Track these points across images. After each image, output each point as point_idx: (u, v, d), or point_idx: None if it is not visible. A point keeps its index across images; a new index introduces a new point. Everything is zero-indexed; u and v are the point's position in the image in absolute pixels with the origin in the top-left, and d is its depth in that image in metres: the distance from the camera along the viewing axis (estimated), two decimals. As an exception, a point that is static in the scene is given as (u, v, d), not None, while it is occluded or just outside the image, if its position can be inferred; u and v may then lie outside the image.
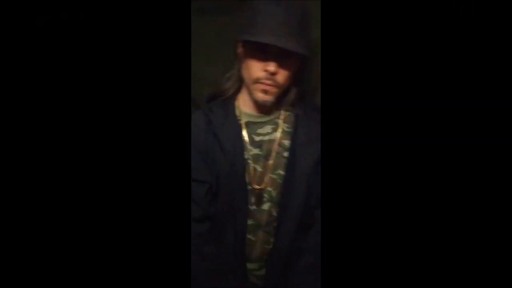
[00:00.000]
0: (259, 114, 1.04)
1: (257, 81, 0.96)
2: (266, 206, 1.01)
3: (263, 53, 0.93)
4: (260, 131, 1.03)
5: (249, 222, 1.02)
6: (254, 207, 1.01)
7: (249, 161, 1.01)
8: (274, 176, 1.02)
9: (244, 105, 1.04)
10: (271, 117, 1.05)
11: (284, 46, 0.90)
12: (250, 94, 1.00)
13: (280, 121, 1.04)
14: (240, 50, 0.97)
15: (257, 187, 1.00)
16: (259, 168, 1.01)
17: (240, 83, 1.02)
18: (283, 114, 1.05)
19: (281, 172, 1.01)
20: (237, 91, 1.04)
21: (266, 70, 0.94)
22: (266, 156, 1.02)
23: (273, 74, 0.94)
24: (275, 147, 1.02)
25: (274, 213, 1.01)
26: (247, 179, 1.00)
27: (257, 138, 1.03)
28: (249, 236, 1.02)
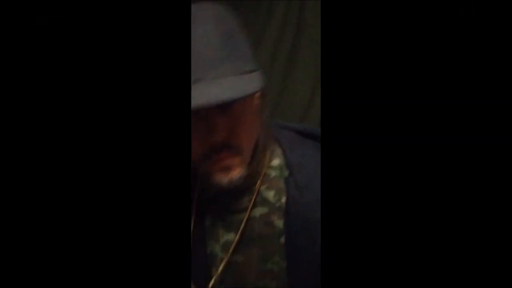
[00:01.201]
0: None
1: (206, 157, 0.68)
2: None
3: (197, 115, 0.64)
4: (234, 207, 0.74)
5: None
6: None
7: (223, 258, 0.73)
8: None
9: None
10: (249, 184, 0.74)
11: (228, 98, 0.60)
12: (209, 179, 0.71)
13: (264, 189, 0.73)
14: None
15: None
16: (239, 261, 0.72)
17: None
18: (267, 175, 0.74)
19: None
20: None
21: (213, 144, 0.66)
22: (247, 244, 0.73)
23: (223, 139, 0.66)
24: (261, 229, 0.71)
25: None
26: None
27: (230, 218, 0.74)
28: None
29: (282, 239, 0.70)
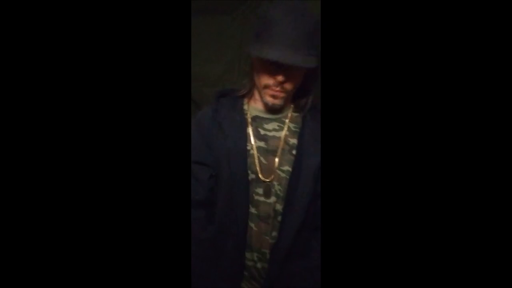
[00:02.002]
0: (267, 112, 1.09)
1: (266, 87, 1.03)
2: (272, 199, 1.04)
3: (272, 65, 0.98)
4: (266, 126, 1.08)
5: (252, 211, 1.04)
6: (262, 198, 1.04)
7: (253, 152, 1.05)
8: (281, 172, 1.05)
9: (253, 103, 1.10)
10: (279, 116, 1.10)
11: (292, 63, 0.96)
12: (261, 96, 1.06)
13: (287, 120, 1.09)
14: (253, 60, 1.04)
15: (265, 179, 1.04)
16: (264, 161, 1.05)
17: (252, 86, 1.08)
18: (290, 114, 1.10)
19: (288, 168, 1.05)
20: (249, 92, 1.11)
21: (275, 79, 1.01)
22: (273, 152, 1.06)
23: (282, 83, 1.01)
24: (282, 144, 1.06)
25: (279, 208, 1.04)
26: (251, 169, 1.04)
27: (262, 132, 1.07)
28: (250, 224, 1.04)
29: (294, 151, 1.07)
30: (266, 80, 1.01)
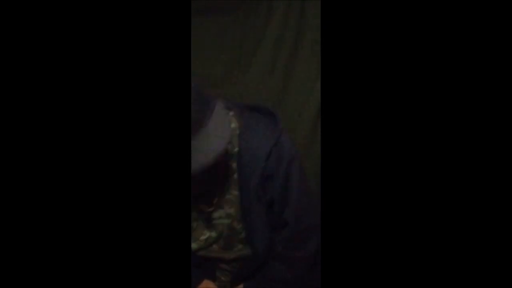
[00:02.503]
0: None
1: None
2: (221, 222, 1.07)
3: None
4: None
5: (203, 237, 1.08)
6: (204, 222, 1.08)
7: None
8: (227, 196, 1.06)
9: None
10: None
11: None
12: None
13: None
14: None
15: (207, 209, 1.06)
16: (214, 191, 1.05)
17: None
18: None
19: (234, 192, 1.05)
20: None
21: None
22: (219, 180, 1.05)
23: None
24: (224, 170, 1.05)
25: (236, 226, 1.07)
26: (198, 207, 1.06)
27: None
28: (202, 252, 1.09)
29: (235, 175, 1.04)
30: None
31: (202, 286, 1.10)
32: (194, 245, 1.08)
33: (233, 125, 1.06)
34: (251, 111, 1.10)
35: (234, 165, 1.04)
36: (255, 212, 1.05)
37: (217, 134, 0.92)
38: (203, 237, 1.08)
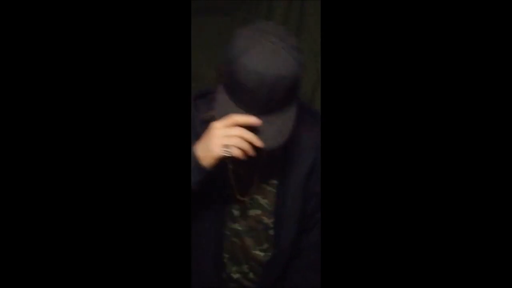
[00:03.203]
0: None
1: None
2: (252, 213, 1.01)
3: None
4: None
5: (234, 226, 1.01)
6: (238, 212, 1.01)
7: (231, 171, 0.98)
8: (264, 185, 1.00)
9: None
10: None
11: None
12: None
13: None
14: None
15: (241, 198, 0.99)
16: (243, 175, 0.98)
17: None
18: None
19: (273, 180, 1.00)
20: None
21: None
22: (253, 165, 0.98)
23: None
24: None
25: (266, 221, 1.01)
26: (230, 188, 0.99)
27: None
28: (234, 239, 1.02)
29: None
30: None
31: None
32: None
33: None
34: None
35: (279, 153, 0.98)
36: (291, 206, 0.99)
37: (285, 114, 0.85)
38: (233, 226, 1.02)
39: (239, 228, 1.01)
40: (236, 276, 1.05)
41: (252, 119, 0.81)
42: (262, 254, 1.03)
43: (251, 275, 1.05)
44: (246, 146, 0.82)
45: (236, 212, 1.00)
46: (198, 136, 0.94)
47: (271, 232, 1.01)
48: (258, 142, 0.82)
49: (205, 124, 0.91)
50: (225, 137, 0.82)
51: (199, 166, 0.85)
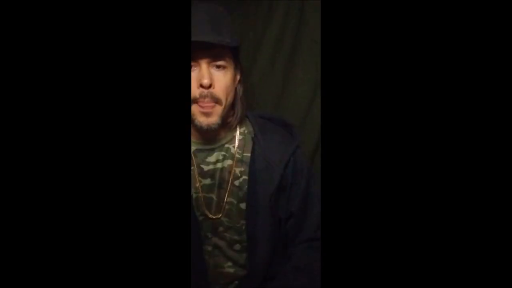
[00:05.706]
0: (206, 141, 0.99)
1: (194, 101, 0.91)
2: (223, 234, 1.02)
3: (194, 64, 0.90)
4: (209, 159, 0.99)
5: (207, 248, 1.02)
6: (209, 234, 1.02)
7: (199, 193, 0.99)
8: (229, 206, 1.00)
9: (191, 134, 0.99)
10: (221, 142, 1.00)
11: (218, 41, 0.87)
12: (193, 120, 0.93)
13: (231, 147, 1.00)
14: None
15: (212, 216, 1.00)
16: (214, 197, 1.00)
17: None
18: (235, 137, 1.01)
19: (234, 201, 1.00)
20: None
21: (201, 85, 0.89)
22: (220, 185, 0.99)
23: (209, 87, 0.90)
24: (227, 175, 0.99)
25: (238, 239, 1.02)
26: (199, 210, 0.99)
27: (206, 168, 0.99)
28: (211, 260, 1.03)
29: (237, 183, 0.99)
30: (193, 92, 0.89)
31: None
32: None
33: (244, 129, 1.02)
34: (265, 119, 1.06)
35: (243, 170, 0.99)
36: (262, 225, 1.00)
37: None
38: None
39: (209, 248, 1.02)
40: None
41: None
42: (232, 270, 1.03)
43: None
44: None
45: (208, 235, 1.01)
46: None
47: (244, 253, 1.02)
48: None
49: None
50: None
51: None
